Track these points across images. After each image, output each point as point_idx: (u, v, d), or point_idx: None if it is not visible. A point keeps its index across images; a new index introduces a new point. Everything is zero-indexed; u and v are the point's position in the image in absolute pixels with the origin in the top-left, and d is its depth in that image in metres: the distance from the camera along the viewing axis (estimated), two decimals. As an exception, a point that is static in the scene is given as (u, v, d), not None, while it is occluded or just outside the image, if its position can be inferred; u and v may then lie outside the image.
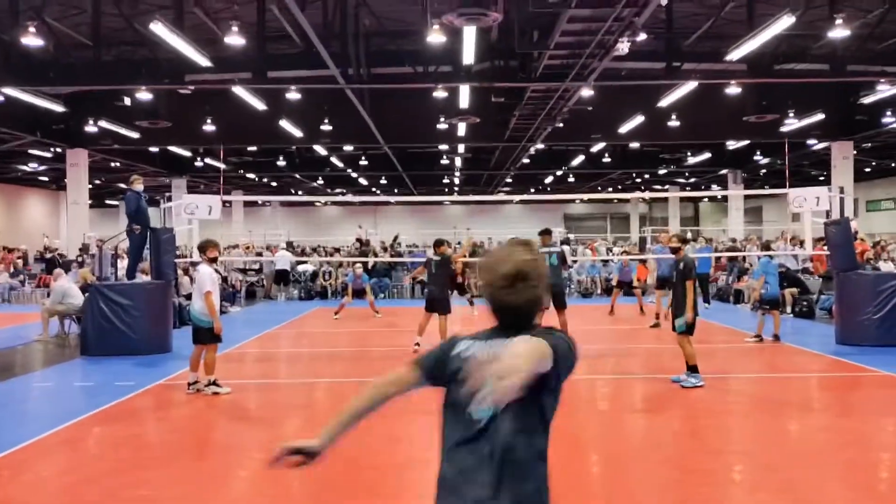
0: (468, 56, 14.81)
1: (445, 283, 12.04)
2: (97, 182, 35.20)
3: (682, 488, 5.55)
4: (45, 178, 38.12)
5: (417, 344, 11.50)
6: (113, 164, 30.41)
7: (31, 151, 28.00)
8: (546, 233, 12.16)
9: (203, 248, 8.90)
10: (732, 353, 11.87)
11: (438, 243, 12.40)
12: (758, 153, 30.74)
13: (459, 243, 13.42)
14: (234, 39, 14.68)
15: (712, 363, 10.84)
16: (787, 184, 13.64)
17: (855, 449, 6.52)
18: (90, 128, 22.35)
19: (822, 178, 32.53)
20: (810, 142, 26.13)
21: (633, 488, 5.66)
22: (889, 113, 21.06)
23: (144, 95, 19.28)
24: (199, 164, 31.36)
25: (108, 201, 45.30)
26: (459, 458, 2.34)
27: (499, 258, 2.42)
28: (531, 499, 2.31)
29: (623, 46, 13.25)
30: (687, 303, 8.49)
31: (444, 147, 29.57)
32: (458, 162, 34.07)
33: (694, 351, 8.61)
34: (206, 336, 8.53)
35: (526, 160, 31.08)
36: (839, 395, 8.96)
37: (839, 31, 14.38)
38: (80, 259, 20.14)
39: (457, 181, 42.34)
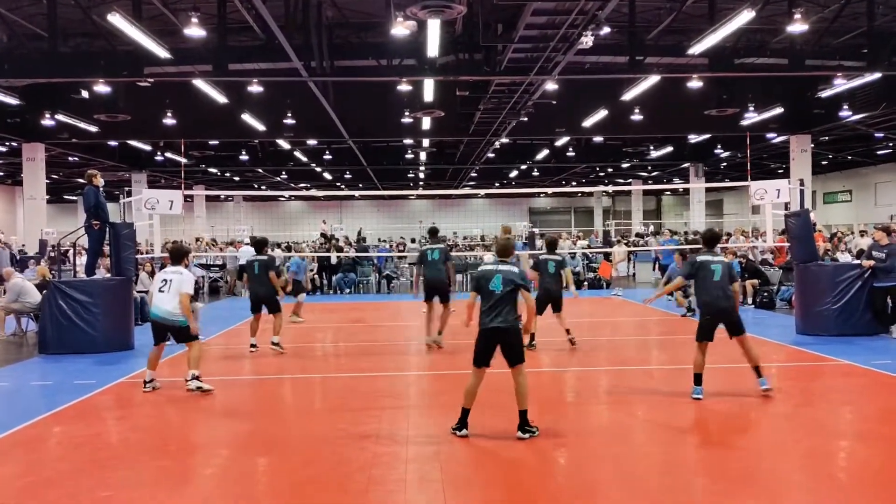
0: (432, 49, 14.75)
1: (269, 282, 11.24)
2: (55, 177, 34.54)
3: (644, 477, 5.59)
4: (0, 173, 37.26)
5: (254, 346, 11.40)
6: (71, 159, 29.85)
7: (-16, 146, 27.34)
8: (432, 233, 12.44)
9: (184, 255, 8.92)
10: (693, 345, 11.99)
11: (260, 244, 11.79)
12: (718, 147, 31.16)
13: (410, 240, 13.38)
14: (194, 31, 14.45)
15: (673, 354, 10.98)
16: (749, 176, 13.83)
17: (817, 437, 6.63)
18: (47, 121, 21.87)
19: (780, 171, 33.09)
20: (769, 135, 26.55)
21: (594, 476, 5.69)
22: (846, 107, 21.48)
23: (103, 88, 18.93)
24: (159, 158, 30.88)
25: (66, 196, 44.46)
26: (487, 307, 6.52)
27: (500, 238, 7.80)
28: (515, 319, 6.60)
29: (587, 40, 13.33)
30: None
31: (408, 141, 29.50)
32: (422, 156, 34.01)
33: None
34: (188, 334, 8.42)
35: (491, 154, 31.15)
36: (801, 384, 9.08)
37: (798, 26, 14.58)
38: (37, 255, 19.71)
39: (422, 176, 42.28)
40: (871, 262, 11.86)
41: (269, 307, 11.23)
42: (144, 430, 7.12)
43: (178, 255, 8.84)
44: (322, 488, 5.43)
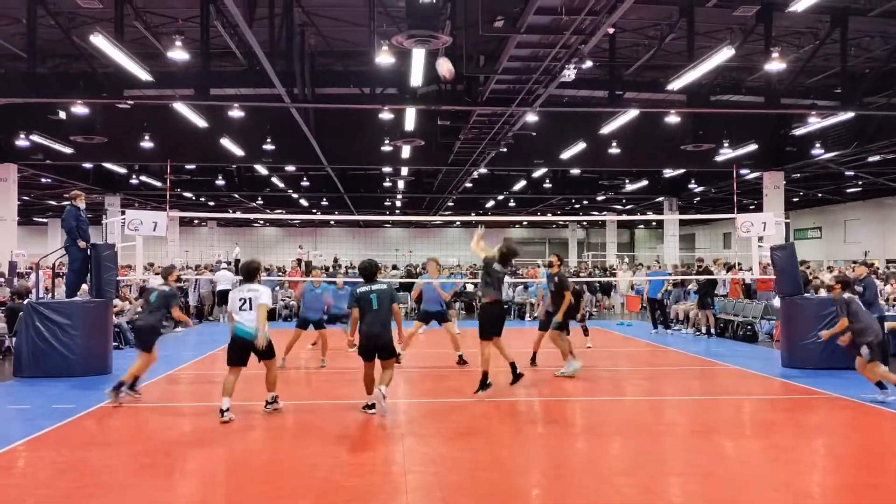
0: (415, 78, 14.84)
1: None
2: (25, 198, 34.00)
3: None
4: (-31, 194, 36.57)
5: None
6: (43, 180, 29.45)
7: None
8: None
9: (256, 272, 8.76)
10: (681, 376, 12.04)
11: (166, 272, 10.06)
12: (692, 182, 31.61)
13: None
14: (178, 54, 14.47)
15: (661, 385, 11.01)
16: (735, 209, 14.08)
17: (815, 469, 6.66)
18: (21, 142, 21.59)
19: (752, 207, 33.58)
20: (743, 171, 27.00)
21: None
22: (818, 145, 21.93)
23: (80, 109, 18.77)
24: (134, 181, 30.55)
25: (35, 218, 43.76)
26: (366, 321, 8.36)
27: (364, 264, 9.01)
28: (389, 330, 8.47)
29: (569, 73, 13.50)
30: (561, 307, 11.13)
31: (387, 169, 29.55)
32: (400, 185, 34.06)
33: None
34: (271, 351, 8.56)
35: (468, 184, 31.30)
36: (791, 416, 8.98)
37: (775, 65, 14.96)
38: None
39: (399, 204, 42.31)
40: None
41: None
42: (132, 455, 6.93)
43: (249, 273, 8.64)
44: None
